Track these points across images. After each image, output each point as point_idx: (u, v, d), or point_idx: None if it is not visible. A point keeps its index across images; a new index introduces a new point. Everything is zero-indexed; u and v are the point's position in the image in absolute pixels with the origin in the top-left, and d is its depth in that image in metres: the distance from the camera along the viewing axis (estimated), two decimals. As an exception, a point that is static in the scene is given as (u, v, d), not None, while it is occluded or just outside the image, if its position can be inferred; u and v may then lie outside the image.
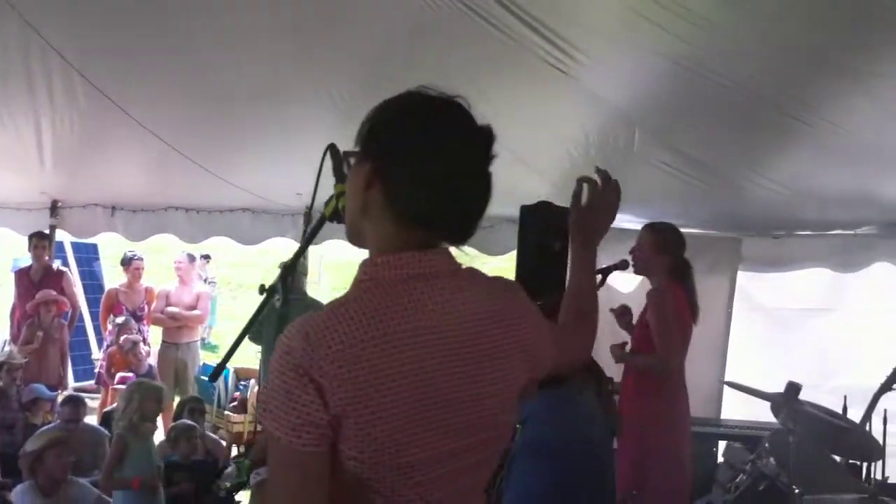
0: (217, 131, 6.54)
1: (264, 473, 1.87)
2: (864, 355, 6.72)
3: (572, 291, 2.37)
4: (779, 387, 6.08)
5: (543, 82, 5.32)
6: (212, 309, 12.52)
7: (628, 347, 5.35)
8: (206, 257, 13.59)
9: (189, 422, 6.47)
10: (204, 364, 9.28)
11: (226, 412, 8.83)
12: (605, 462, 3.40)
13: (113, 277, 10.92)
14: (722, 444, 6.50)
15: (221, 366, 2.40)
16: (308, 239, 2.33)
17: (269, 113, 6.09)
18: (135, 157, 7.18)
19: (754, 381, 5.99)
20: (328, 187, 2.08)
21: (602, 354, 5.69)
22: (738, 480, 4.19)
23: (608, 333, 5.89)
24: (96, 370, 9.68)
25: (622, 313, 5.44)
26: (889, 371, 3.99)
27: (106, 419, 7.11)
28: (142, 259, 8.95)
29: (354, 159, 1.83)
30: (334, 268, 17.54)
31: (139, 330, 8.78)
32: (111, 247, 11.30)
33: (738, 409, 7.12)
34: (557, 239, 6.18)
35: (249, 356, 8.45)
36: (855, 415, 5.57)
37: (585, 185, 2.40)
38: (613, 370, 5.77)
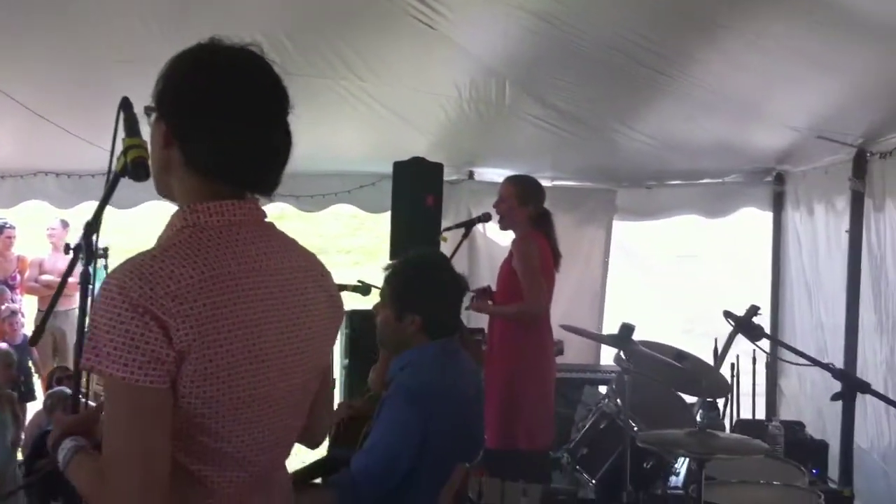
0: (85, 94, 6.35)
1: (70, 444, 1.85)
2: (733, 298, 6.99)
3: None
4: (655, 333, 6.32)
5: (413, 38, 5.34)
6: (97, 276, 12.17)
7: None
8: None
9: (66, 389, 6.33)
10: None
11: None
12: (475, 413, 3.48)
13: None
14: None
15: (40, 328, 2.38)
16: (106, 196, 2.31)
17: (139, 75, 5.92)
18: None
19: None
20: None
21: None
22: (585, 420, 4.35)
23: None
24: (-30, 341, 9.38)
25: (482, 293, 5.48)
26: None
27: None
28: (13, 227, 8.66)
29: (153, 115, 1.82)
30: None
31: (12, 299, 8.53)
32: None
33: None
34: (430, 193, 6.28)
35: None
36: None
37: None
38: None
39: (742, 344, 4.23)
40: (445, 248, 5.51)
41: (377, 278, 4.79)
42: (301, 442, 2.09)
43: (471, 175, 7.40)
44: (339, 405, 4.19)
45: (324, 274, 1.99)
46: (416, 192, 6.23)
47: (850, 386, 3.27)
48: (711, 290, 7.52)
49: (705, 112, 5.80)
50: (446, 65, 5.78)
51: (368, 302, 4.33)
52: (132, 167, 2.15)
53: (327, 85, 5.91)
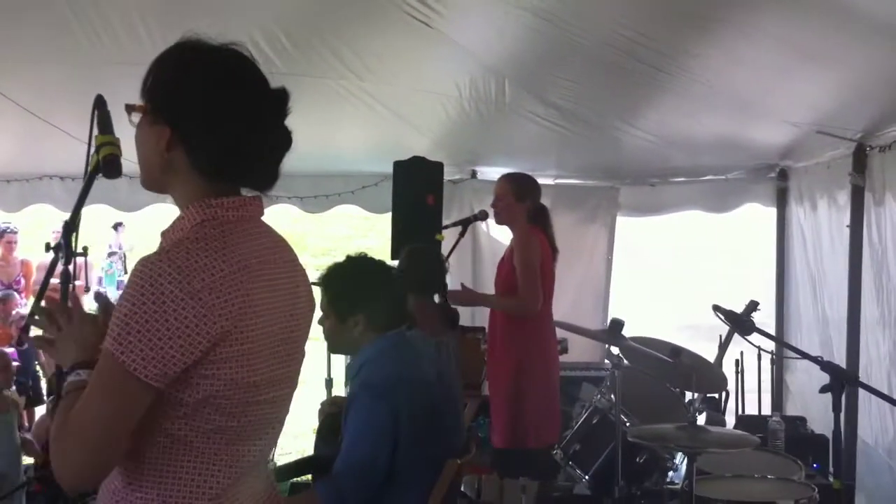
0: (88, 96, 6.37)
1: (85, 375, 1.86)
2: (737, 293, 6.98)
3: None
4: (659, 329, 6.31)
5: (412, 37, 5.33)
6: (113, 278, 12.22)
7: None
8: (119, 225, 12.81)
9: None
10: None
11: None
12: (443, 397, 3.49)
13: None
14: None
15: (28, 325, 2.40)
16: (82, 195, 2.33)
17: (136, 77, 5.95)
18: (2, 125, 6.96)
19: (636, 324, 6.17)
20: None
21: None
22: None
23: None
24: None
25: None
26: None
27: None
28: (15, 232, 8.66)
29: (143, 114, 1.83)
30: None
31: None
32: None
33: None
34: (430, 192, 6.28)
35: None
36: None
37: None
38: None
39: (751, 339, 4.21)
40: (443, 247, 5.54)
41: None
42: None
43: (473, 174, 7.40)
44: (323, 402, 4.21)
45: (303, 268, 2.04)
46: (416, 192, 6.22)
47: (838, 378, 3.26)
48: (716, 286, 7.49)
49: (706, 108, 5.78)
50: (445, 63, 5.78)
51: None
52: (104, 164, 2.17)
53: (327, 85, 5.93)
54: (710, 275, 7.59)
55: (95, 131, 2.27)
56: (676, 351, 4.10)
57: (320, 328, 3.32)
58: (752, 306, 4.19)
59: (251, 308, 1.76)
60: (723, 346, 4.27)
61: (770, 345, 5.95)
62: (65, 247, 2.44)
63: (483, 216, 5.45)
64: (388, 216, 6.70)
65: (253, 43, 5.42)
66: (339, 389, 5.75)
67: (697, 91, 5.39)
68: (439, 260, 4.98)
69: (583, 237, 7.48)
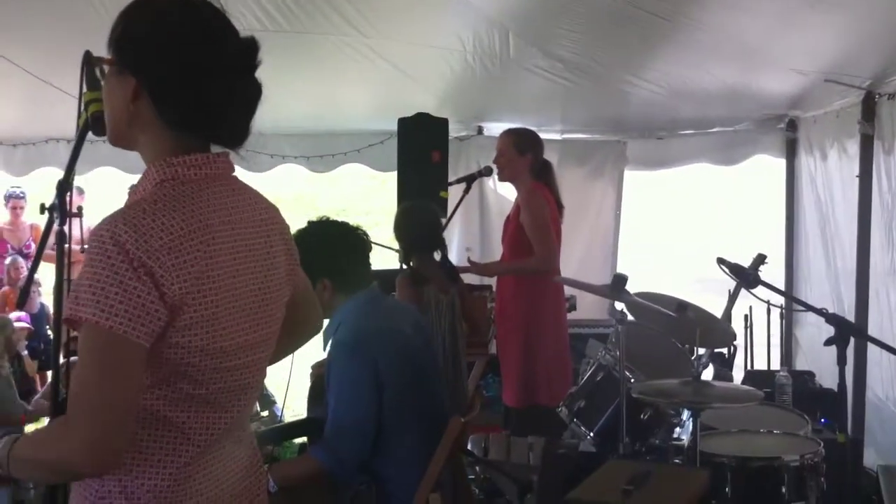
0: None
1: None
2: (747, 246, 6.93)
3: None
4: (669, 284, 6.27)
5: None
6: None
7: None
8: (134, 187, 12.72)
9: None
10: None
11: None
12: (422, 350, 3.49)
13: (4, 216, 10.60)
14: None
15: (26, 291, 2.39)
16: (74, 153, 2.30)
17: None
18: (7, 90, 6.94)
19: (645, 279, 6.15)
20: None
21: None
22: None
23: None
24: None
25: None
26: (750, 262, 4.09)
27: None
28: (22, 196, 8.70)
29: (110, 67, 1.79)
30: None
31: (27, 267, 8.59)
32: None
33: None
34: (436, 149, 6.24)
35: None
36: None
37: None
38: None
39: (759, 293, 4.18)
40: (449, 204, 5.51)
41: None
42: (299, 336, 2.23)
43: (479, 130, 7.33)
44: (313, 365, 4.21)
45: (284, 226, 1.99)
46: (421, 149, 6.18)
47: (844, 331, 3.22)
48: (725, 239, 7.44)
49: (713, 58, 5.69)
50: (448, 17, 5.71)
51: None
52: (92, 121, 2.14)
53: (330, 41, 5.86)
54: (718, 228, 7.53)
55: (84, 89, 2.23)
56: (682, 306, 4.05)
57: None
58: (760, 259, 4.14)
59: (214, 270, 1.71)
60: (730, 300, 4.22)
61: (780, 299, 5.90)
62: (59, 207, 2.42)
63: (487, 172, 5.40)
64: (395, 174, 6.67)
65: (255, 1, 5.37)
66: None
67: (704, 40, 5.30)
68: (435, 216, 4.95)
69: (590, 192, 7.42)
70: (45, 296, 8.45)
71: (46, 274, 9.07)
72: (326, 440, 3.22)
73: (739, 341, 5.90)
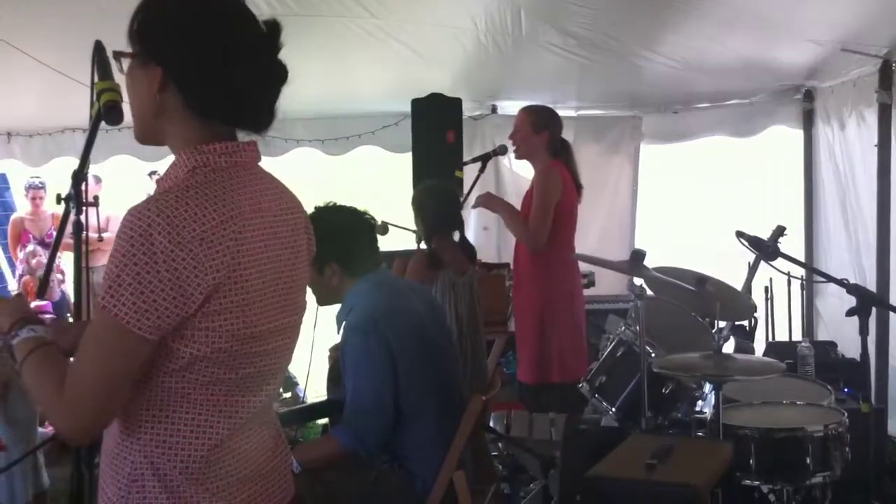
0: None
1: (33, 334, 1.86)
2: (767, 218, 6.90)
3: None
4: (689, 258, 6.24)
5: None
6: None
7: None
8: (154, 173, 12.56)
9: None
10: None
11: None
12: (435, 329, 3.51)
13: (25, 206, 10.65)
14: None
15: (45, 280, 2.41)
16: (88, 143, 2.31)
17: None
18: (24, 82, 6.97)
19: (663, 254, 6.11)
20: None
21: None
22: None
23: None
24: (12, 301, 9.51)
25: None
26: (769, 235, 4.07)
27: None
28: (41, 187, 8.74)
29: (132, 59, 1.79)
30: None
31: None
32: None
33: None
34: (450, 129, 6.23)
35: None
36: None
37: None
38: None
39: (779, 265, 4.16)
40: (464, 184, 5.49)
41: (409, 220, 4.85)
42: None
43: (494, 109, 7.32)
44: (331, 347, 4.22)
45: (304, 214, 2.00)
46: (435, 129, 6.18)
47: (865, 301, 3.21)
48: (743, 212, 7.41)
49: (727, 30, 5.65)
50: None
51: (385, 242, 4.37)
52: (104, 111, 2.15)
53: (342, 24, 5.85)
54: (736, 200, 7.49)
55: (96, 78, 2.24)
56: (702, 280, 4.04)
57: None
58: (779, 231, 4.13)
59: (246, 258, 1.72)
60: (750, 273, 4.21)
61: (800, 271, 5.87)
62: (75, 196, 2.43)
63: (502, 151, 5.37)
64: (410, 155, 6.67)
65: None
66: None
67: (719, 12, 5.28)
68: (455, 195, 4.95)
69: (607, 168, 7.41)
70: (67, 284, 8.51)
71: (70, 263, 9.16)
72: (347, 422, 3.23)
73: (760, 313, 5.89)
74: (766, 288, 6.24)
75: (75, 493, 2.39)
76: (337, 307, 3.44)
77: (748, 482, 3.59)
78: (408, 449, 3.32)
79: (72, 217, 2.49)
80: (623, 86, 6.90)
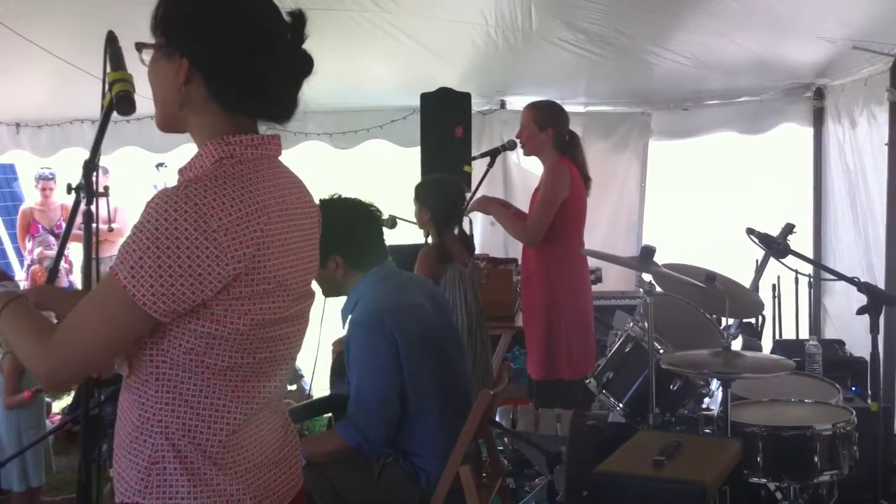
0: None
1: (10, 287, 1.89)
2: (776, 216, 6.88)
3: None
4: (697, 255, 6.23)
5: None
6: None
7: None
8: (161, 165, 12.60)
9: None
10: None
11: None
12: (440, 323, 3.50)
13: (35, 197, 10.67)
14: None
15: (55, 269, 2.42)
16: (99, 133, 2.31)
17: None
18: (32, 73, 6.97)
19: (671, 250, 6.09)
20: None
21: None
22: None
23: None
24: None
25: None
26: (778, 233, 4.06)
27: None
28: (51, 178, 8.75)
29: (156, 51, 1.79)
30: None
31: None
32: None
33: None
34: (459, 124, 6.22)
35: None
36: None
37: None
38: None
39: (787, 263, 4.15)
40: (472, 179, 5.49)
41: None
42: None
43: (503, 105, 7.30)
44: (334, 342, 4.21)
45: (316, 207, 2.03)
46: (444, 124, 6.16)
47: (876, 299, 3.19)
48: (752, 210, 7.38)
49: (738, 27, 5.62)
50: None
51: (393, 235, 4.37)
52: (117, 101, 2.16)
53: (352, 18, 5.83)
54: (745, 198, 7.47)
55: (108, 69, 2.24)
56: (710, 276, 4.03)
57: None
58: (788, 229, 4.12)
59: (270, 249, 1.75)
60: (758, 271, 4.20)
61: (808, 269, 5.85)
62: (86, 187, 2.43)
63: (511, 146, 5.35)
64: (418, 150, 6.66)
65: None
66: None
67: (730, 9, 5.24)
68: (461, 189, 4.94)
69: (615, 165, 7.38)
70: (76, 274, 8.54)
71: (77, 254, 9.17)
72: (351, 419, 3.23)
73: (767, 311, 5.87)
74: (774, 285, 6.22)
75: (83, 482, 2.39)
76: (342, 300, 3.44)
77: (755, 479, 3.59)
78: (412, 443, 3.32)
79: (82, 207, 2.48)
80: (633, 82, 6.88)
